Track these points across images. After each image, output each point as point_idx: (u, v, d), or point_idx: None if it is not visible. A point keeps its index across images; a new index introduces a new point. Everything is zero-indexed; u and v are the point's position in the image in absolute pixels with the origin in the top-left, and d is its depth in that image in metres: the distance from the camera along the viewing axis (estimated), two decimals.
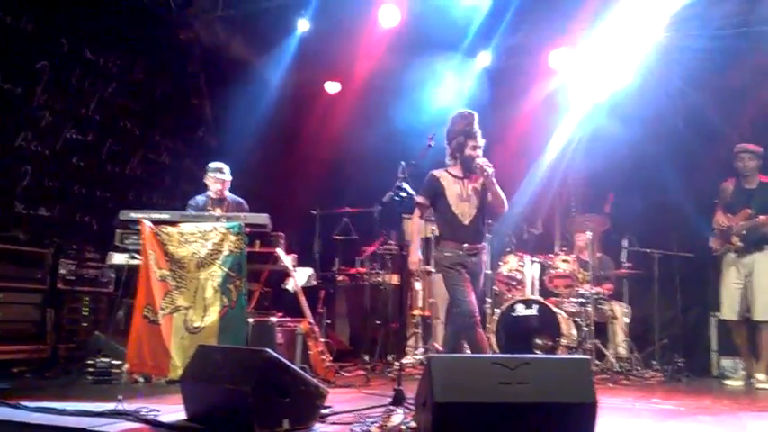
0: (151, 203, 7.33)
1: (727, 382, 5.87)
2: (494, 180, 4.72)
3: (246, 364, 3.30)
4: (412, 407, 3.51)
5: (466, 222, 4.79)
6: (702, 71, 7.06)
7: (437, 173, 4.91)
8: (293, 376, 3.33)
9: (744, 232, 5.71)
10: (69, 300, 6.03)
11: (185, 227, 5.10)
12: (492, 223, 6.22)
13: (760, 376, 5.55)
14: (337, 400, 4.30)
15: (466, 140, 4.81)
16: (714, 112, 7.03)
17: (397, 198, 4.10)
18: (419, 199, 4.84)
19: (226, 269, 5.04)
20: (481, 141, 4.82)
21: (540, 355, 6.19)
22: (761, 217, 5.60)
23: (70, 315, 6.03)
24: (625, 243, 6.66)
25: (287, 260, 5.39)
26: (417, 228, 4.99)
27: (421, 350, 6.53)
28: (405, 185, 4.31)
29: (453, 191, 4.84)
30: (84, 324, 6.10)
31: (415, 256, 4.97)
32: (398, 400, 3.68)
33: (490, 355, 5.17)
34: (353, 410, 3.69)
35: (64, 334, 5.92)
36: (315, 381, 3.46)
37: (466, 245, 4.76)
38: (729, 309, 5.81)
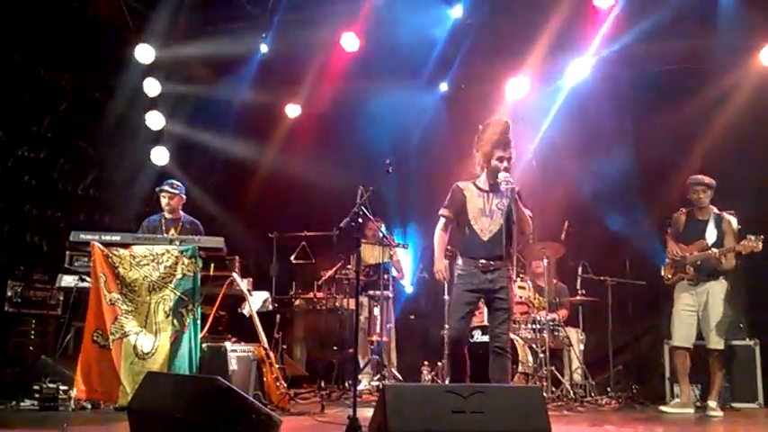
0: (104, 224, 7.16)
1: (665, 408, 5.87)
2: (517, 198, 4.52)
3: (197, 394, 3.20)
4: None
5: (485, 239, 4.57)
6: (655, 102, 7.26)
7: (462, 184, 4.75)
8: (245, 405, 3.25)
9: (698, 263, 5.82)
10: (16, 323, 5.86)
11: (137, 249, 4.98)
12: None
13: (711, 404, 5.62)
14: (292, 428, 4.23)
15: (493, 150, 4.60)
16: (667, 144, 7.23)
17: (353, 224, 4.07)
18: (443, 212, 4.73)
19: (178, 293, 4.93)
20: (511, 153, 4.60)
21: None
22: (714, 250, 5.72)
23: (17, 338, 5.87)
24: (580, 270, 6.74)
25: (242, 284, 5.30)
26: (440, 240, 4.76)
27: (378, 376, 6.47)
28: (363, 210, 4.29)
29: (476, 204, 4.65)
30: (31, 348, 5.91)
31: (441, 263, 4.72)
32: (353, 429, 3.62)
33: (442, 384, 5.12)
34: None
35: (10, 358, 5.74)
36: (267, 410, 3.38)
37: (482, 261, 4.53)
38: (681, 336, 5.86)
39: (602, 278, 6.73)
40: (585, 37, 7.29)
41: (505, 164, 4.56)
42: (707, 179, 5.95)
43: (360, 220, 4.06)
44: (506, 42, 7.51)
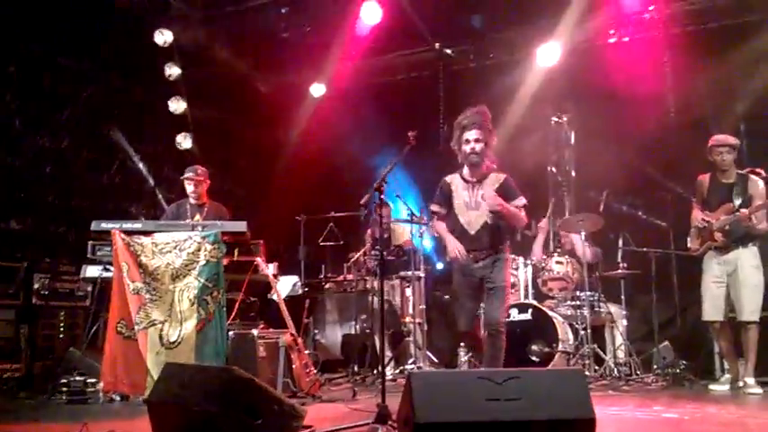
0: (130, 213, 7.09)
1: (712, 387, 5.55)
2: (503, 212, 4.53)
3: (214, 384, 3.05)
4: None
5: (472, 232, 4.60)
6: (692, 62, 6.88)
7: (449, 177, 4.79)
8: (266, 396, 3.09)
9: (727, 227, 5.46)
10: (44, 315, 5.81)
11: (159, 237, 4.84)
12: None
13: (749, 380, 5.28)
14: (320, 417, 4.07)
15: (461, 134, 4.61)
16: (706, 105, 6.85)
17: (375, 201, 3.84)
18: (433, 207, 4.80)
19: (202, 280, 4.78)
20: (478, 134, 4.55)
21: (536, 360, 6.00)
22: (743, 211, 5.33)
23: (45, 331, 5.82)
24: (620, 242, 6.42)
25: (268, 268, 5.14)
26: (440, 227, 4.77)
27: (411, 360, 6.27)
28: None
29: (461, 197, 4.68)
30: (61, 340, 5.86)
31: (452, 242, 4.62)
32: (382, 417, 3.44)
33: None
34: (334, 430, 3.43)
35: (39, 351, 5.70)
36: (290, 401, 3.21)
37: (471, 254, 4.57)
38: (713, 309, 5.50)
39: (644, 249, 6.40)
40: None
41: (472, 145, 4.54)
42: (731, 139, 5.58)
43: (382, 196, 3.82)
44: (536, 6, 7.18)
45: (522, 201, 4.67)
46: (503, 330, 4.55)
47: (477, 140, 4.55)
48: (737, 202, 5.45)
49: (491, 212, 4.54)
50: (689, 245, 5.80)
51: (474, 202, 4.62)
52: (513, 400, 2.67)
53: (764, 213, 5.38)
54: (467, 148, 4.58)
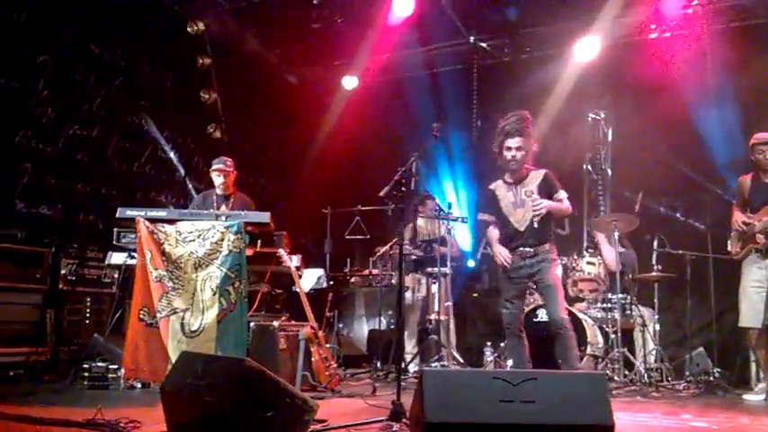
0: (159, 202, 7.12)
1: (746, 397, 5.32)
2: (546, 210, 4.72)
3: (226, 375, 3.00)
4: None
5: (522, 228, 4.84)
6: (738, 59, 6.63)
7: (492, 185, 5.04)
8: (278, 388, 3.02)
9: None
10: (70, 300, 5.85)
11: (183, 225, 4.83)
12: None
13: None
14: (337, 411, 4.01)
15: (502, 140, 4.83)
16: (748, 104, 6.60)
17: (395, 192, 3.76)
18: (481, 216, 5.12)
19: (225, 270, 4.75)
20: (520, 143, 4.77)
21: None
22: None
23: (71, 316, 5.86)
24: (655, 244, 6.21)
25: (291, 260, 5.09)
26: (491, 235, 5.09)
27: (436, 357, 6.16)
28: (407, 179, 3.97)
29: (507, 199, 4.93)
30: (87, 325, 5.91)
31: (497, 247, 4.97)
32: (397, 415, 3.36)
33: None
34: (346, 425, 3.37)
35: (65, 336, 5.74)
36: (303, 394, 3.14)
37: (520, 249, 4.83)
38: (751, 316, 5.24)
39: (680, 252, 6.19)
40: None
41: (515, 153, 4.76)
42: None
43: (403, 188, 3.73)
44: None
45: (563, 194, 4.90)
46: (569, 326, 4.81)
47: (518, 149, 4.78)
48: None
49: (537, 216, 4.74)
50: (729, 248, 5.56)
51: (519, 200, 4.86)
52: (527, 403, 2.56)
53: None
54: (508, 155, 4.82)
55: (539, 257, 4.83)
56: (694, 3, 7.01)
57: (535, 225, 4.77)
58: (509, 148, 4.79)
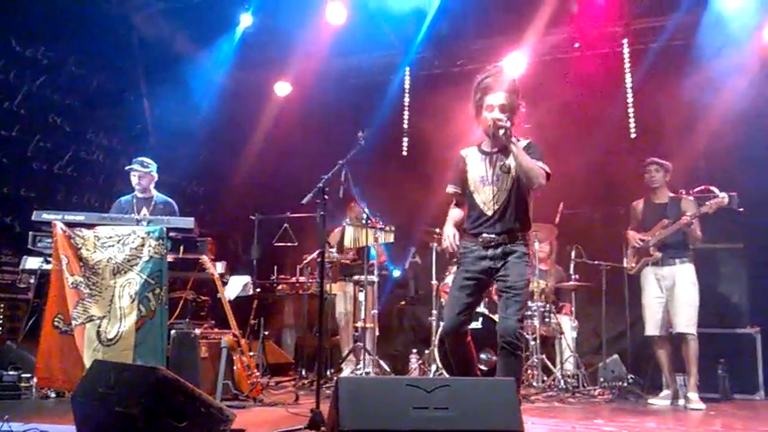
0: (83, 205, 6.90)
1: (653, 401, 5.58)
2: (513, 141, 3.61)
3: (137, 384, 2.94)
4: None
5: (489, 213, 3.71)
6: (653, 77, 6.96)
7: (465, 150, 3.92)
8: (192, 397, 2.98)
9: (663, 241, 5.53)
10: None
11: (102, 230, 4.71)
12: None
13: (692, 395, 5.31)
14: (257, 420, 4.00)
15: (481, 97, 3.73)
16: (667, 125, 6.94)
17: (318, 200, 3.77)
18: (448, 189, 3.95)
19: (144, 276, 4.66)
20: (502, 98, 3.66)
21: (483, 368, 5.95)
22: (684, 217, 5.39)
23: None
24: (573, 254, 6.45)
25: (215, 267, 5.03)
26: (451, 214, 3.93)
27: (360, 365, 6.19)
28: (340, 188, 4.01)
29: (476, 172, 3.80)
30: (0, 332, 5.67)
31: (449, 228, 3.80)
32: (316, 423, 3.37)
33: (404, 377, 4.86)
34: None
35: None
36: (219, 403, 3.12)
37: (483, 236, 3.70)
38: (653, 325, 5.58)
39: (596, 262, 6.44)
40: None
41: (497, 113, 3.64)
42: (660, 160, 5.70)
43: (326, 196, 3.76)
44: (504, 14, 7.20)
45: (545, 167, 3.75)
46: (520, 345, 3.59)
47: (502, 107, 3.67)
48: (672, 219, 5.55)
49: (494, 136, 3.68)
50: (625, 264, 5.90)
51: (493, 176, 3.72)
52: (441, 410, 2.62)
53: (698, 223, 5.45)
54: (488, 113, 3.70)
55: (505, 249, 3.68)
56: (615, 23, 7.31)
57: (511, 199, 3.70)
58: (490, 107, 3.68)
